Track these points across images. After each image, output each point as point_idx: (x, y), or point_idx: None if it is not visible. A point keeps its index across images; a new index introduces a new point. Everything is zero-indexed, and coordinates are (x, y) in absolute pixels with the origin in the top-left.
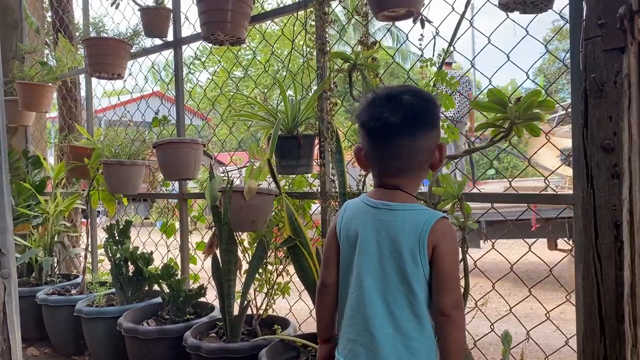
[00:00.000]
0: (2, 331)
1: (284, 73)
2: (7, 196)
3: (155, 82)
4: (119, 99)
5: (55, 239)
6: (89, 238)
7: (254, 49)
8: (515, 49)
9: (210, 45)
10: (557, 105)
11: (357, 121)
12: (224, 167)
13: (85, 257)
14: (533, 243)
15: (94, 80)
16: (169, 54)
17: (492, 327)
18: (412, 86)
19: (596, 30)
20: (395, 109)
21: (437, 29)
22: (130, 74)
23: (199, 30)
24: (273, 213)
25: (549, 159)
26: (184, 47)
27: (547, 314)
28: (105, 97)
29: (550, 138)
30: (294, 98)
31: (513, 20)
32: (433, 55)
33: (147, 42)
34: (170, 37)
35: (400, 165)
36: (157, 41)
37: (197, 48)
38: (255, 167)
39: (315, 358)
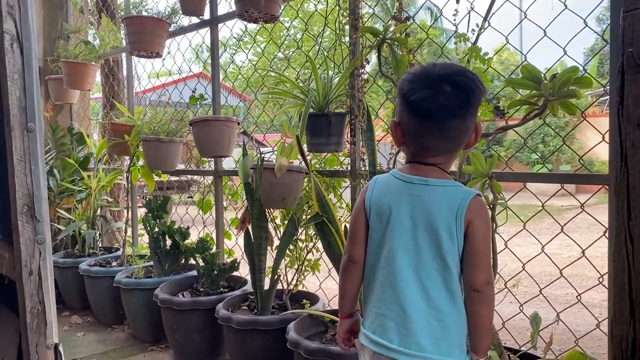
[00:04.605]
0: (37, 293)
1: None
2: (42, 166)
3: (194, 61)
4: (158, 79)
5: (98, 213)
6: (130, 212)
7: (288, 28)
8: (565, 30)
9: (246, 24)
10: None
11: (403, 97)
12: (257, 147)
13: (126, 231)
14: (565, 225)
15: (135, 60)
16: (205, 32)
17: (521, 308)
18: (460, 65)
19: (636, 2)
20: (450, 92)
21: (472, 4)
22: (169, 53)
23: (234, 8)
24: (304, 191)
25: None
26: (220, 25)
27: (579, 297)
28: (151, 78)
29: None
30: (326, 76)
31: None
32: (467, 31)
33: (185, 21)
34: (207, 15)
35: (445, 147)
36: (195, 20)
37: (235, 25)
38: (287, 145)
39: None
